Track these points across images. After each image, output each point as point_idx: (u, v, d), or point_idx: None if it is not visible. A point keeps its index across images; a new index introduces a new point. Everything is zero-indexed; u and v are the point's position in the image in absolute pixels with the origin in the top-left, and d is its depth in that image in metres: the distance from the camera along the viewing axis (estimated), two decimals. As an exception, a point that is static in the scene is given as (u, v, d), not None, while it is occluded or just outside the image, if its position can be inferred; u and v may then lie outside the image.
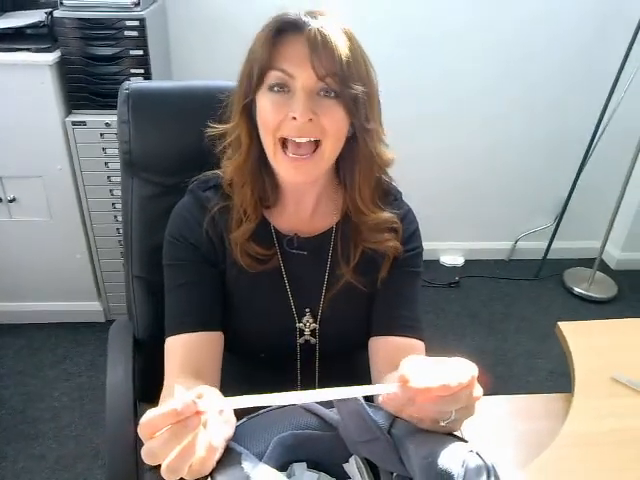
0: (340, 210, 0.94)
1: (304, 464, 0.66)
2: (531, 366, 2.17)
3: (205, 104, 0.94)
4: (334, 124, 0.79)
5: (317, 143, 0.80)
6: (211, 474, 0.55)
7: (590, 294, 2.55)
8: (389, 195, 0.96)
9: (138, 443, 1.15)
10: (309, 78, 0.76)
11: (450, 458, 0.55)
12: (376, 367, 0.91)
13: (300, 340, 0.96)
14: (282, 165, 0.82)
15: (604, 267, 2.73)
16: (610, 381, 1.05)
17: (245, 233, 0.88)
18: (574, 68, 2.40)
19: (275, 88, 0.78)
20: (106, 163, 1.96)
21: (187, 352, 0.86)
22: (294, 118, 0.77)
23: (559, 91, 2.44)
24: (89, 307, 2.25)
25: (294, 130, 0.78)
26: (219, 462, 0.57)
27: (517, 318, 2.44)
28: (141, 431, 0.51)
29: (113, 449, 1.02)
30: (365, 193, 0.89)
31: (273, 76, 0.78)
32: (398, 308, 0.93)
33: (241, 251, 0.88)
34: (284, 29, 0.78)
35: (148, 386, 1.05)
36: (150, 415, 0.50)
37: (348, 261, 0.92)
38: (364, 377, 0.94)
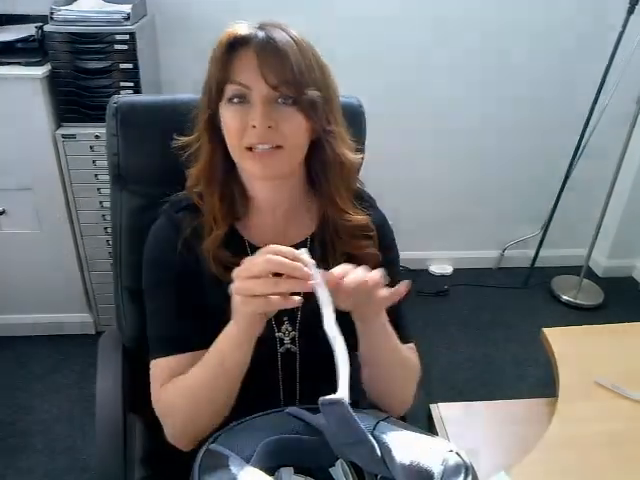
0: (316, 219, 0.95)
1: (291, 469, 0.67)
2: (520, 373, 2.18)
3: (192, 117, 0.96)
4: (293, 130, 0.83)
5: (279, 148, 0.83)
6: (199, 476, 0.56)
7: (577, 301, 2.58)
8: (363, 200, 0.97)
9: (128, 455, 1.15)
10: (263, 88, 0.80)
11: (431, 457, 0.57)
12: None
13: (281, 349, 0.95)
14: (249, 162, 0.85)
15: (591, 274, 2.76)
16: (594, 385, 1.07)
17: (215, 240, 0.89)
18: (559, 77, 2.45)
19: (234, 100, 0.82)
20: (96, 175, 1.97)
21: (172, 374, 0.88)
22: (254, 126, 0.80)
23: (544, 102, 2.48)
24: (79, 319, 2.24)
25: (255, 137, 0.81)
26: (206, 465, 0.58)
27: (505, 326, 2.46)
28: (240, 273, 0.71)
29: (103, 461, 1.02)
30: (342, 194, 0.91)
31: (230, 89, 0.82)
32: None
33: (213, 259, 0.88)
34: (236, 43, 0.82)
35: (138, 397, 1.06)
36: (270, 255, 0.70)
37: (327, 269, 0.90)
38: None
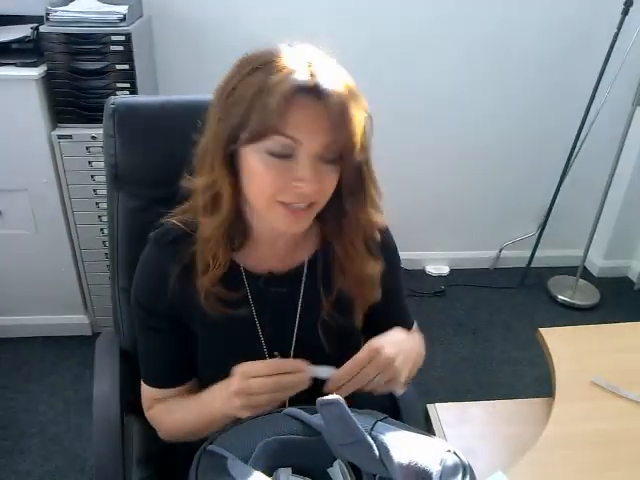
0: (318, 240, 0.91)
1: (289, 469, 0.67)
2: (516, 373, 2.19)
3: (190, 117, 0.95)
4: (331, 188, 0.78)
5: (312, 204, 0.78)
6: (197, 478, 0.56)
7: (574, 301, 2.59)
8: (376, 240, 0.92)
9: (126, 455, 1.15)
10: (316, 146, 0.72)
11: (429, 457, 0.57)
12: None
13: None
14: (279, 217, 0.78)
15: (587, 275, 2.77)
16: (590, 384, 1.07)
17: (212, 280, 0.83)
18: (555, 76, 2.45)
19: (276, 153, 0.72)
20: (92, 176, 1.96)
21: (157, 400, 0.94)
22: (297, 186, 0.73)
23: (540, 100, 2.49)
24: (75, 320, 2.24)
25: (296, 197, 0.74)
26: (205, 467, 0.58)
27: (502, 326, 2.47)
28: (248, 370, 0.73)
29: (101, 462, 1.02)
30: (356, 243, 0.86)
31: (277, 141, 0.71)
32: (394, 314, 0.99)
33: (207, 296, 0.83)
34: (294, 91, 0.70)
35: (135, 398, 1.07)
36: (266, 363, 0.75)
37: (328, 290, 0.88)
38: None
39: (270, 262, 0.89)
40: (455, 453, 0.59)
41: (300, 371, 0.74)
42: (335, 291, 0.88)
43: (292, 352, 0.89)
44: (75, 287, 2.17)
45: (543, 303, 2.62)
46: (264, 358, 0.89)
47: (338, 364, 0.80)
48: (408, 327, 1.02)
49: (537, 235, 2.69)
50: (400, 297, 1.04)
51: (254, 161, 0.74)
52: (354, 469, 0.66)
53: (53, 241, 2.07)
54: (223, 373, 0.80)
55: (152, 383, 0.95)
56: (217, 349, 0.88)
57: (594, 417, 1.02)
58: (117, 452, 1.02)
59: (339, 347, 0.87)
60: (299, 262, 0.90)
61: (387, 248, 0.93)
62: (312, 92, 0.70)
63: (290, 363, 0.76)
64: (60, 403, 1.98)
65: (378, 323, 0.90)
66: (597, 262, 2.82)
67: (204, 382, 0.90)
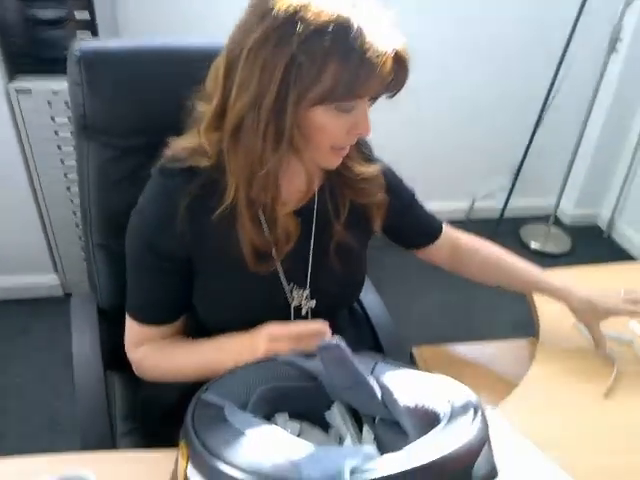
0: (320, 172, 0.91)
1: (286, 414, 0.66)
2: (493, 319, 2.23)
3: (163, 63, 0.90)
4: None
5: None
6: (195, 431, 0.54)
7: (546, 250, 2.63)
8: (364, 148, 0.96)
9: (112, 412, 1.14)
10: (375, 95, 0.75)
11: (435, 397, 0.56)
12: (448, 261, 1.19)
13: (300, 312, 0.94)
14: (331, 158, 0.81)
15: (559, 223, 2.81)
16: (573, 326, 1.09)
17: (255, 229, 0.82)
18: (526, 30, 2.41)
19: (346, 109, 0.73)
20: (56, 132, 1.87)
21: (146, 339, 0.92)
22: (358, 133, 0.77)
23: (513, 50, 2.46)
24: (46, 281, 2.18)
25: (351, 141, 0.79)
26: (201, 418, 0.57)
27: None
28: (275, 334, 0.76)
29: (86, 421, 1.00)
30: (352, 154, 0.88)
31: (350, 100, 0.72)
32: (422, 218, 1.11)
33: (247, 246, 0.82)
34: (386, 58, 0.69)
35: (116, 355, 1.05)
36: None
37: (338, 216, 0.90)
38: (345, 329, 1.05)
39: (286, 198, 0.87)
40: (463, 391, 0.58)
41: (324, 334, 0.77)
42: (345, 209, 0.90)
43: (308, 280, 0.92)
44: (43, 247, 2.10)
45: (516, 251, 2.60)
46: (282, 290, 0.90)
47: (347, 283, 0.96)
48: (438, 227, 1.12)
49: (510, 185, 2.70)
50: (419, 204, 1.11)
51: (321, 117, 0.72)
52: (353, 413, 0.65)
53: (17, 200, 1.99)
54: (237, 311, 0.88)
55: (145, 320, 0.91)
56: (231, 285, 0.87)
57: (579, 356, 1.03)
58: (102, 409, 1.00)
59: (351, 267, 0.94)
60: (311, 194, 0.91)
61: (389, 179, 1.00)
62: (394, 59, 0.71)
63: (316, 326, 0.79)
64: (35, 364, 1.94)
65: (407, 231, 1.09)
66: (568, 211, 2.86)
67: (209, 319, 0.90)
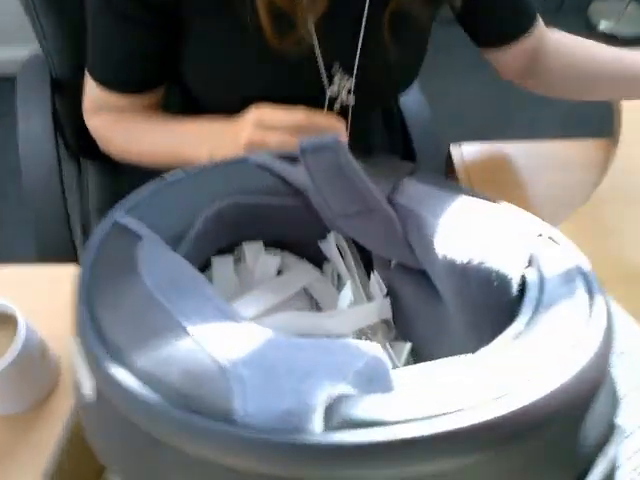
0: None
1: (260, 243, 0.44)
2: (547, 113, 1.90)
3: None
4: None
5: None
6: (90, 297, 0.31)
7: (618, 32, 2.18)
8: None
9: (83, 206, 0.99)
10: None
11: (504, 248, 0.30)
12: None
13: (332, 108, 0.70)
14: None
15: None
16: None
17: None
18: None
19: None
20: None
21: (106, 107, 0.71)
22: None
23: None
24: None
25: None
26: (107, 252, 0.34)
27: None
28: (265, 120, 0.52)
29: (40, 217, 0.82)
30: None
31: None
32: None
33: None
34: None
35: (76, 138, 0.88)
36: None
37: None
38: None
39: None
40: (553, 239, 0.31)
41: (336, 131, 0.53)
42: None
43: (356, 64, 0.66)
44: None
45: (580, 32, 2.23)
46: (317, 67, 0.65)
47: (399, 69, 0.70)
48: (531, 16, 0.80)
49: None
50: None
51: None
52: (358, 248, 0.44)
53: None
54: (248, 86, 0.65)
55: (107, 82, 0.69)
56: (245, 55, 0.63)
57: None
58: (59, 204, 0.82)
59: (409, 47, 0.69)
60: None
61: None
62: None
63: (326, 120, 0.54)
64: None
65: (482, 15, 0.77)
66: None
67: (198, 88, 0.69)
